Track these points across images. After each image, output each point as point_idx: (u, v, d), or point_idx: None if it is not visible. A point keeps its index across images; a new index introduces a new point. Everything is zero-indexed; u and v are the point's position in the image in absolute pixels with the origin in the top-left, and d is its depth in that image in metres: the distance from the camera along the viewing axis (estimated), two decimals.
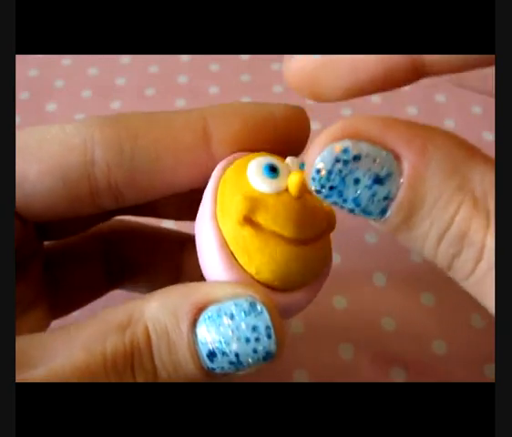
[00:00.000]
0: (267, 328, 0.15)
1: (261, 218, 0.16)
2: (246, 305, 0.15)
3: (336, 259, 0.30)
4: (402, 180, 0.14)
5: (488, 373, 0.25)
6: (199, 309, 0.16)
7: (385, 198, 0.14)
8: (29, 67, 0.41)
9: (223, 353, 0.15)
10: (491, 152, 0.34)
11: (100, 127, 0.18)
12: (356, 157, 0.14)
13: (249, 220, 0.16)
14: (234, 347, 0.15)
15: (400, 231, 0.15)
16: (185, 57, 0.42)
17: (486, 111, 0.37)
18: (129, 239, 0.24)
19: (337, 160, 0.14)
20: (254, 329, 0.15)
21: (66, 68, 0.41)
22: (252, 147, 0.18)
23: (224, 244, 0.16)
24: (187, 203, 0.22)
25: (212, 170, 0.18)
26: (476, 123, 0.37)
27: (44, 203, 0.18)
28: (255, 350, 0.15)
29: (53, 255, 0.23)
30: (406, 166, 0.14)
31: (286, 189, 0.17)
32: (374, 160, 0.14)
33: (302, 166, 0.17)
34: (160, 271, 0.24)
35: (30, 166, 0.18)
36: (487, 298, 0.14)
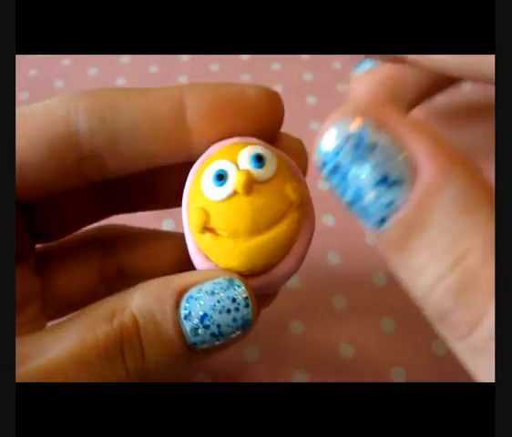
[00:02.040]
0: (245, 298, 0.17)
1: (214, 226, 0.18)
2: (225, 282, 0.17)
3: (336, 259, 0.30)
4: (411, 195, 0.12)
5: None
6: (181, 292, 0.17)
7: (388, 205, 0.12)
8: (29, 67, 0.41)
9: (206, 327, 0.17)
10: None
11: (82, 98, 0.19)
12: (371, 146, 0.12)
13: (206, 229, 0.18)
14: (216, 319, 0.17)
15: (393, 253, 0.13)
16: (185, 57, 0.42)
17: None
18: (126, 244, 0.24)
19: (350, 138, 0.12)
20: (234, 300, 0.17)
21: (66, 68, 0.41)
22: (225, 123, 0.19)
23: (198, 248, 0.19)
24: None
25: (188, 145, 0.19)
26: None
27: (32, 176, 0.19)
28: (235, 320, 0.17)
29: (47, 256, 0.23)
30: (422, 181, 0.12)
31: (233, 195, 0.18)
32: (389, 158, 0.12)
33: (252, 159, 0.18)
34: (161, 271, 0.24)
35: (17, 141, 0.18)
36: (480, 371, 0.12)
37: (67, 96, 0.19)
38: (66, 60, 0.41)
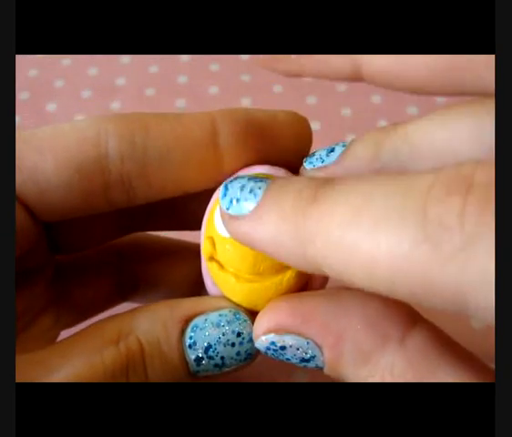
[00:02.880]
0: (249, 333, 0.18)
1: (220, 259, 0.18)
2: (230, 315, 0.18)
3: None
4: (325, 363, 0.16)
5: None
6: (187, 320, 0.18)
7: (316, 367, 0.17)
8: (29, 67, 0.41)
9: (210, 358, 0.17)
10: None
11: (113, 120, 0.18)
12: (282, 348, 0.16)
13: (213, 259, 0.18)
14: (221, 351, 0.17)
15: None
16: (185, 57, 0.42)
17: None
18: (143, 252, 0.24)
19: (268, 348, 0.17)
20: (239, 334, 0.17)
21: (66, 68, 0.41)
22: (257, 150, 0.19)
23: (208, 273, 0.19)
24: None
25: (219, 171, 0.19)
26: None
27: (58, 198, 0.18)
28: (238, 353, 0.18)
29: (64, 265, 0.23)
30: (325, 354, 0.16)
31: None
32: (298, 348, 0.16)
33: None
34: (178, 284, 0.24)
35: (45, 159, 0.17)
36: None
37: (98, 117, 0.18)
38: (66, 60, 0.41)
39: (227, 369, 0.18)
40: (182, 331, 0.17)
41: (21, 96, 0.38)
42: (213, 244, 0.18)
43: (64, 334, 0.22)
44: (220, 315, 0.18)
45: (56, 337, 0.22)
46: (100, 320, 0.18)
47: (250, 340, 0.17)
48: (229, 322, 0.17)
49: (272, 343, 0.16)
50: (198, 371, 0.18)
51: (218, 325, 0.17)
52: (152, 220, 0.23)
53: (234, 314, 0.18)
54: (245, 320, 0.18)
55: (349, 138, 0.19)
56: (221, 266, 0.18)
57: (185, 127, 0.18)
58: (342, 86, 0.40)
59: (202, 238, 0.19)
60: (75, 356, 0.17)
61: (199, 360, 0.17)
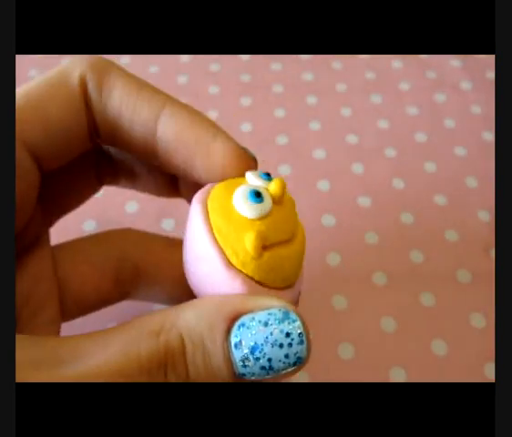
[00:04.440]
0: (300, 334, 0.16)
1: (270, 239, 0.18)
2: (280, 314, 0.17)
3: (336, 259, 0.30)
4: None
5: (488, 373, 0.25)
6: (233, 320, 0.17)
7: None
8: (29, 67, 0.41)
9: (256, 359, 0.16)
10: (491, 152, 0.35)
11: (89, 66, 0.20)
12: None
13: (264, 247, 0.17)
14: (268, 352, 0.16)
15: None
16: (185, 57, 0.42)
17: (486, 111, 0.37)
18: (142, 250, 0.24)
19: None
20: (288, 335, 0.16)
21: None
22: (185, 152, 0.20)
23: (248, 280, 0.18)
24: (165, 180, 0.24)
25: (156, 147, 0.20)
26: (476, 123, 0.37)
27: (61, 138, 0.20)
28: (287, 356, 0.16)
29: (64, 259, 0.23)
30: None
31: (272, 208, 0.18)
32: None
33: (263, 175, 0.19)
34: (176, 281, 0.24)
35: (52, 112, 0.19)
36: None
37: (78, 61, 0.21)
38: (66, 60, 0.41)
39: (274, 373, 0.17)
40: (228, 330, 0.17)
41: None
42: (260, 232, 0.17)
43: (66, 331, 0.22)
44: (270, 314, 0.17)
45: (59, 330, 0.22)
46: (145, 315, 0.17)
47: (301, 343, 0.17)
48: (278, 321, 0.17)
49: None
50: (243, 374, 0.17)
51: (266, 324, 0.16)
52: (121, 175, 0.24)
53: (284, 313, 0.17)
54: (295, 320, 0.17)
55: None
56: (269, 247, 0.18)
57: (137, 102, 0.20)
58: (342, 86, 0.40)
59: (215, 248, 0.18)
60: (111, 344, 0.16)
61: (244, 360, 0.16)
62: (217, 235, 0.18)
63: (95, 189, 0.25)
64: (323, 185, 0.33)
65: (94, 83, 0.20)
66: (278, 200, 0.18)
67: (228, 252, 0.18)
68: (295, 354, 0.16)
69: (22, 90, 0.20)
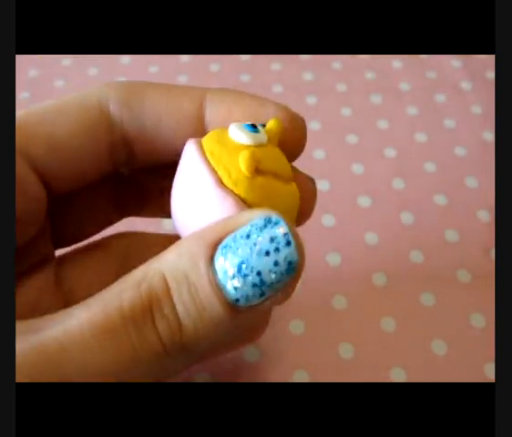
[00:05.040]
0: (285, 234, 0.15)
1: (264, 165, 0.17)
2: (261, 222, 0.15)
3: (336, 259, 0.30)
4: None
5: (488, 373, 0.25)
6: (216, 245, 0.15)
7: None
8: (29, 67, 0.41)
9: (245, 276, 0.15)
10: (491, 152, 0.35)
11: (112, 87, 0.20)
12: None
13: (258, 170, 0.17)
14: (255, 264, 0.15)
15: None
16: (185, 57, 0.42)
17: (486, 111, 0.37)
18: (144, 251, 0.24)
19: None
20: (272, 239, 0.15)
21: (66, 68, 0.41)
22: None
23: (241, 201, 0.17)
24: None
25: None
26: (476, 123, 0.37)
27: (71, 163, 0.19)
28: (276, 263, 0.15)
29: (66, 263, 0.22)
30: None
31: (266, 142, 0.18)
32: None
33: (247, 126, 0.18)
34: None
35: (59, 128, 0.19)
36: None
37: (98, 86, 0.20)
38: (66, 60, 0.41)
39: (269, 289, 0.15)
40: (212, 257, 0.15)
41: (21, 96, 0.38)
42: (254, 152, 0.17)
43: None
44: (251, 225, 0.15)
45: None
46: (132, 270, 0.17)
47: (288, 244, 0.15)
48: (259, 229, 0.15)
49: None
50: (237, 300, 0.15)
51: (248, 236, 0.15)
52: (146, 205, 0.23)
53: (266, 220, 0.15)
54: (278, 222, 0.15)
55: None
56: (266, 173, 0.17)
57: (176, 98, 0.20)
58: (342, 86, 0.40)
59: (211, 176, 0.17)
60: (93, 304, 0.15)
61: (233, 282, 0.15)
62: (209, 157, 0.17)
63: (111, 220, 0.24)
64: (323, 185, 0.33)
65: (120, 100, 0.19)
66: (273, 138, 0.18)
67: (220, 172, 0.17)
68: (285, 259, 0.15)
69: (28, 109, 0.19)
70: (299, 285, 0.20)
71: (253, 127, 0.18)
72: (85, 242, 0.24)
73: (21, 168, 0.18)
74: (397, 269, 0.30)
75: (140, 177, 0.23)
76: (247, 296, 0.15)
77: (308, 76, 0.40)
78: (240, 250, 0.15)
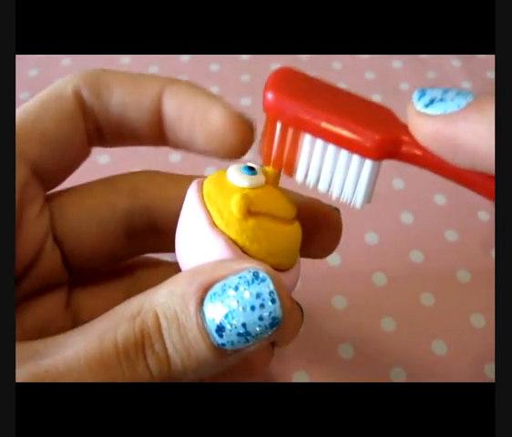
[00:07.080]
0: (270, 293, 0.16)
1: (257, 207, 0.18)
2: (249, 276, 0.16)
3: (336, 259, 0.30)
4: None
5: (488, 373, 0.25)
6: (206, 289, 0.16)
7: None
8: (29, 67, 0.41)
9: (231, 325, 0.16)
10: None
11: (83, 77, 0.21)
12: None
13: (250, 212, 0.17)
14: (241, 317, 0.16)
15: None
16: (185, 57, 0.42)
17: None
18: (152, 274, 0.24)
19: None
20: (258, 295, 0.16)
21: (66, 68, 0.41)
22: (188, 127, 0.21)
23: (232, 243, 0.17)
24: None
25: (162, 132, 0.21)
26: None
27: (58, 156, 0.20)
28: (261, 318, 0.16)
29: (75, 281, 0.22)
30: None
31: (264, 184, 0.19)
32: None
33: (244, 169, 0.19)
34: None
35: (47, 122, 0.20)
36: None
37: (71, 75, 0.21)
38: (66, 60, 0.41)
39: (253, 339, 0.16)
40: (201, 301, 0.16)
41: (21, 96, 0.38)
42: (247, 195, 0.18)
43: None
44: (240, 277, 0.16)
45: None
46: (126, 300, 0.17)
47: (273, 302, 0.16)
48: (247, 283, 0.16)
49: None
50: (223, 344, 0.16)
51: (236, 288, 0.16)
52: (158, 240, 0.23)
53: (254, 274, 0.16)
54: (264, 280, 0.16)
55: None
56: (259, 215, 0.18)
57: (139, 88, 0.21)
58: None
59: (206, 218, 0.18)
60: (90, 333, 0.16)
61: (220, 329, 0.16)
62: (206, 199, 0.18)
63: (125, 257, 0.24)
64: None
65: (90, 90, 0.20)
66: (272, 180, 0.19)
67: (214, 214, 0.18)
68: (269, 315, 0.16)
69: (17, 111, 0.20)
70: (298, 285, 0.20)
71: (251, 170, 0.18)
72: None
73: (20, 169, 0.19)
74: (397, 269, 0.30)
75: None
76: (232, 342, 0.16)
77: None
78: (227, 301, 0.16)
